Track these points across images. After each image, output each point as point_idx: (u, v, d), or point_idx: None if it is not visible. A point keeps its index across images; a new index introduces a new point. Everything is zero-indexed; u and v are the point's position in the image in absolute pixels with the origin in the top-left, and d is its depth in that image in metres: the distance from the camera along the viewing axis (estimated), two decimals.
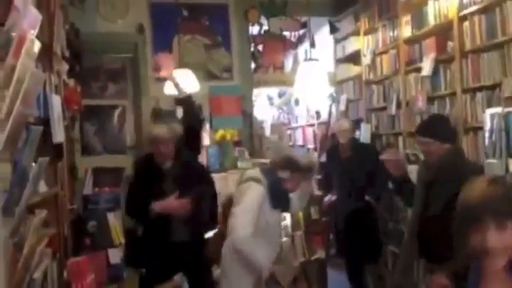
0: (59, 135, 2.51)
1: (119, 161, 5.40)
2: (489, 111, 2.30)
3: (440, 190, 2.47)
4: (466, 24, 3.84)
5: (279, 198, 2.70)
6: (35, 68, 2.03)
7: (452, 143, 2.64)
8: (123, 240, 3.33)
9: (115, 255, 3.23)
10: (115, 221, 3.33)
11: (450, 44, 4.08)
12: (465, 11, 3.82)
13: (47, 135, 2.40)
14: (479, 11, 3.69)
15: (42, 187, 2.35)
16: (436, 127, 2.68)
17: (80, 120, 5.15)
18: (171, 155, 3.19)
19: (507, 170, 2.15)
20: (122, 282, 3.30)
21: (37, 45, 1.99)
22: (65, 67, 3.36)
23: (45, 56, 2.52)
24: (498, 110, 2.22)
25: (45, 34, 2.54)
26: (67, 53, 3.49)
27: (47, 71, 2.48)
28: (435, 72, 4.25)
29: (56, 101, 2.53)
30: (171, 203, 3.04)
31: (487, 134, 2.25)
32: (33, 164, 1.88)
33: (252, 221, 2.48)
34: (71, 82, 3.66)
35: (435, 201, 2.51)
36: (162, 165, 3.20)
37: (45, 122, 2.37)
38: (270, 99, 8.97)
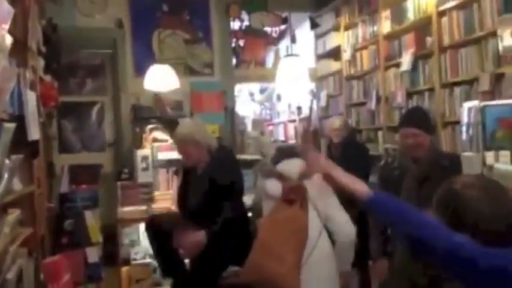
0: (34, 133, 2.46)
1: (98, 158, 5.34)
2: (466, 105, 2.32)
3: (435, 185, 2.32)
4: (445, 19, 3.88)
5: None
6: (8, 63, 1.99)
7: (434, 135, 2.58)
8: (100, 239, 3.28)
9: (93, 254, 3.18)
10: (92, 219, 3.28)
11: (429, 39, 4.11)
12: (443, 7, 3.86)
13: (22, 132, 2.35)
14: (458, 7, 3.73)
15: (18, 185, 2.30)
16: (421, 118, 2.59)
17: (57, 117, 5.07)
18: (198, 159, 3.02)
19: (484, 163, 2.18)
20: (101, 282, 3.26)
21: (9, 40, 1.94)
22: (40, 63, 3.29)
23: (19, 51, 2.47)
24: (475, 103, 2.25)
25: (19, 29, 2.49)
26: (43, 49, 3.42)
27: (21, 67, 2.43)
28: (414, 67, 4.28)
29: (30, 98, 2.48)
30: (184, 242, 2.85)
31: (464, 128, 2.27)
32: (7, 162, 1.84)
33: None
34: (48, 78, 3.58)
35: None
36: (194, 170, 3.06)
37: (20, 119, 2.32)
38: (252, 95, 8.96)
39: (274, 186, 2.53)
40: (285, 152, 2.76)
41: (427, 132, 2.54)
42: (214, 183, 2.89)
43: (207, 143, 3.02)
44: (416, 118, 2.60)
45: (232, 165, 3.08)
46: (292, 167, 2.58)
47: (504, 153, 2.16)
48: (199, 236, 2.78)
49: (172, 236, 2.86)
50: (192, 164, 3.07)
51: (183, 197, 3.11)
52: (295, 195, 2.43)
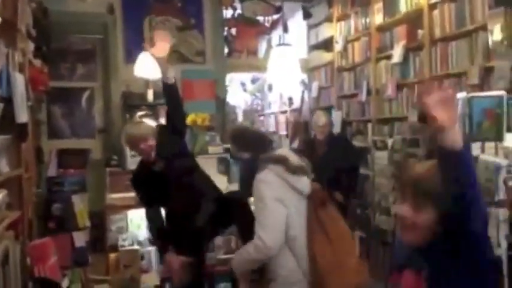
0: (22, 115, 2.44)
1: (88, 145, 5.30)
2: None
3: None
4: (436, 12, 3.89)
5: None
6: None
7: None
8: (88, 223, 3.27)
9: (80, 239, 3.18)
10: (80, 204, 3.28)
11: (420, 32, 4.13)
12: (435, 0, 3.87)
13: (10, 115, 2.33)
14: (449, 0, 3.74)
15: (5, 168, 2.30)
16: None
17: (47, 102, 5.03)
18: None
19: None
20: (87, 266, 3.26)
21: None
22: (30, 46, 3.26)
23: (8, 33, 2.45)
24: (462, 94, 2.28)
25: (8, 10, 2.46)
26: (33, 32, 3.39)
27: (10, 48, 2.41)
28: (405, 59, 4.30)
29: (19, 80, 2.46)
30: (172, 267, 2.85)
31: None
32: None
33: None
34: (38, 62, 3.55)
35: None
36: (153, 167, 2.97)
37: (8, 100, 2.30)
38: (243, 85, 8.95)
39: (304, 184, 2.32)
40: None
41: None
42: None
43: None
44: None
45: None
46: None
47: (489, 145, 2.19)
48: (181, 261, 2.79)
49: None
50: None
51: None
52: (322, 194, 2.36)
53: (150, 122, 3.14)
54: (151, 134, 2.92)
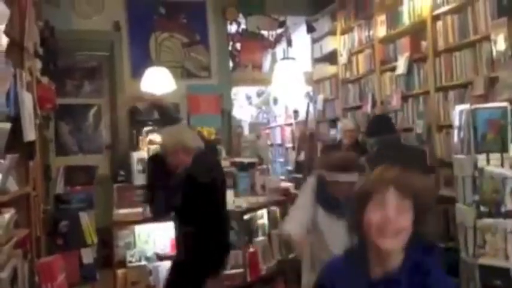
0: (30, 134, 2.47)
1: (95, 161, 5.33)
2: (458, 108, 2.34)
3: None
4: (439, 23, 3.91)
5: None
6: (4, 64, 2.00)
7: None
8: (95, 240, 3.28)
9: (88, 255, 3.18)
10: (88, 220, 3.29)
11: (424, 43, 4.14)
12: (438, 11, 3.89)
13: (18, 133, 2.36)
14: (452, 11, 3.76)
15: (13, 186, 2.31)
16: None
17: (54, 119, 5.08)
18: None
19: (475, 166, 2.20)
20: (95, 283, 3.26)
21: (5, 41, 1.96)
22: (37, 64, 3.30)
23: (15, 52, 2.48)
24: (466, 106, 2.27)
25: (16, 30, 2.50)
26: (41, 51, 3.43)
27: (17, 68, 2.44)
28: (409, 71, 4.31)
29: (27, 99, 2.49)
30: None
31: (455, 131, 2.30)
32: (2, 161, 1.85)
33: None
34: (45, 80, 3.59)
35: None
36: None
37: (16, 120, 2.33)
38: (249, 98, 8.98)
39: None
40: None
41: None
42: (193, 183, 2.85)
43: (197, 146, 3.00)
44: None
45: (210, 164, 3.07)
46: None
47: (495, 156, 2.18)
48: None
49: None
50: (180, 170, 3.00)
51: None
52: None
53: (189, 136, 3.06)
54: (180, 147, 2.88)
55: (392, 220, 1.26)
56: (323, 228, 2.36)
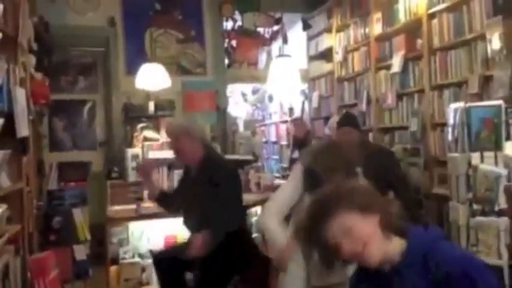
0: (23, 130, 2.45)
1: (89, 157, 5.32)
2: (452, 106, 2.34)
3: None
4: (435, 22, 3.91)
5: None
6: None
7: None
8: (88, 236, 3.27)
9: (80, 252, 3.17)
10: (81, 217, 3.27)
11: (419, 41, 4.15)
12: (434, 9, 3.89)
13: (11, 129, 2.34)
14: (447, 9, 3.76)
15: (6, 182, 2.30)
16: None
17: (48, 115, 5.05)
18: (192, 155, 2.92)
19: (469, 164, 2.21)
20: (88, 279, 3.25)
21: None
22: (32, 60, 3.28)
23: (9, 48, 2.46)
24: (461, 104, 2.28)
25: (9, 25, 2.48)
26: (35, 46, 3.41)
27: (11, 63, 2.42)
28: (404, 69, 4.31)
29: (20, 94, 2.47)
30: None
31: (450, 129, 2.30)
32: None
33: None
34: (39, 76, 3.57)
35: None
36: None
37: (9, 115, 2.31)
38: (244, 95, 8.96)
39: None
40: None
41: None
42: (213, 184, 2.80)
43: (201, 137, 2.98)
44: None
45: (226, 163, 3.08)
46: None
47: (489, 154, 2.19)
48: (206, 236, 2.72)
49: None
50: (187, 162, 3.03)
51: (180, 193, 3.11)
52: None
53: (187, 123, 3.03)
54: (182, 134, 2.84)
55: (349, 247, 1.24)
56: None
